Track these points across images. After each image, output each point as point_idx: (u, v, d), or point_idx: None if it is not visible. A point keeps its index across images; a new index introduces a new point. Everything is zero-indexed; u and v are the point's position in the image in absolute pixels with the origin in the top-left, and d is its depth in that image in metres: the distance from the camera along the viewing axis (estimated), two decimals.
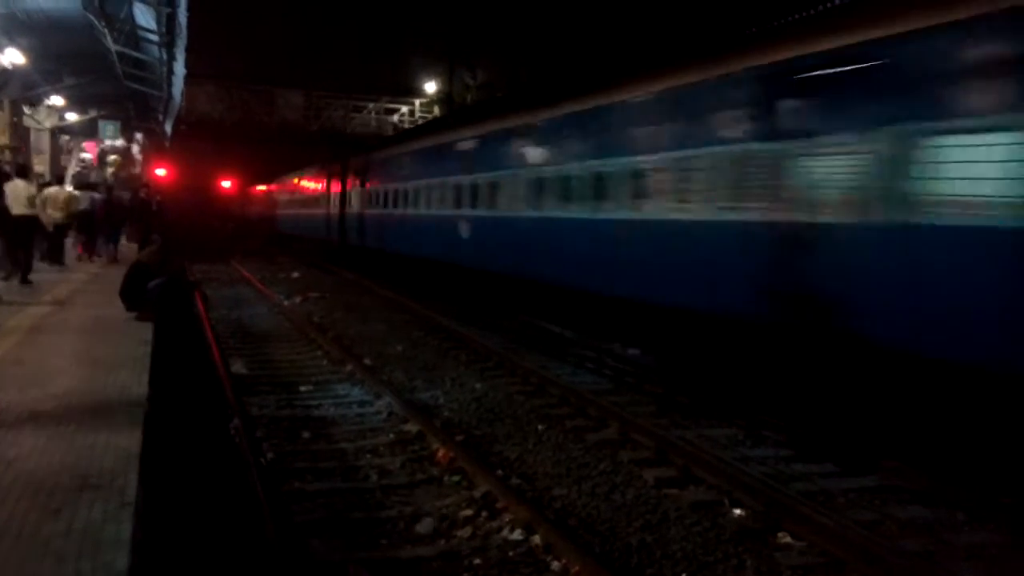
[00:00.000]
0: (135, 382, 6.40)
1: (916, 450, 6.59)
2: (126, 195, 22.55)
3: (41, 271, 13.84)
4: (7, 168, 14.46)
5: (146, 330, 8.84)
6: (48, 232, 15.11)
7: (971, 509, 5.85)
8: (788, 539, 5.43)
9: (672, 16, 27.83)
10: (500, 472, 6.57)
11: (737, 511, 5.89)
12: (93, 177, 30.84)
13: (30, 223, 13.05)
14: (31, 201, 13.09)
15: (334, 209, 27.29)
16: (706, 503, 6.03)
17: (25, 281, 12.42)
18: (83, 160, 33.17)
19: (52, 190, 15.50)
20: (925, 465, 6.48)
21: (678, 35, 24.02)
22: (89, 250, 17.94)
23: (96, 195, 19.03)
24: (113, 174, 33.73)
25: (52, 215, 14.83)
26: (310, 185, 33.63)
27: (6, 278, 12.35)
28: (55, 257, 15.63)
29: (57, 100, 24.33)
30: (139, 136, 35.95)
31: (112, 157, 33.94)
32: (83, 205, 17.03)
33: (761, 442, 7.55)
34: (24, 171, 14.39)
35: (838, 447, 7.03)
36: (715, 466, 6.52)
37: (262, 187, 50.00)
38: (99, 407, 5.62)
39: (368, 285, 20.52)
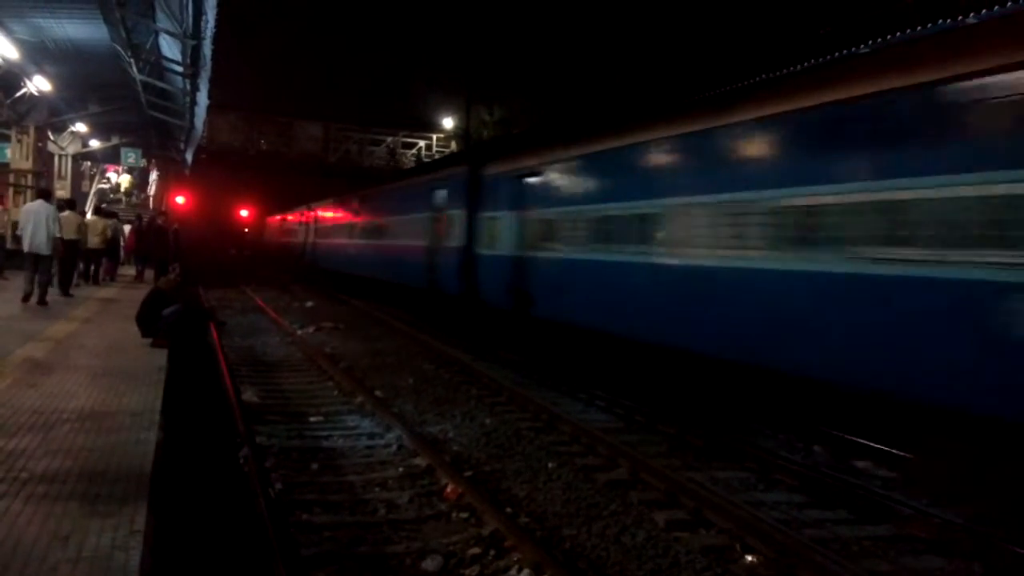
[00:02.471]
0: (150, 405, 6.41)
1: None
2: (145, 220, 23.14)
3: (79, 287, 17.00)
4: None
5: (160, 356, 8.89)
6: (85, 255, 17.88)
7: (989, 561, 5.74)
8: None
9: (685, 54, 28.15)
10: (509, 510, 6.51)
11: (749, 557, 5.80)
12: (114, 198, 31.53)
13: (76, 247, 16.17)
14: (78, 229, 16.13)
15: None
16: (717, 548, 5.94)
17: (67, 294, 15.24)
18: (107, 179, 33.78)
19: (90, 219, 18.24)
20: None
21: (692, 74, 24.25)
22: (111, 272, 20.58)
23: (117, 222, 20.65)
24: (127, 192, 34.36)
25: (91, 239, 17.60)
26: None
27: (63, 294, 15.03)
28: (94, 277, 18.77)
29: (81, 127, 24.77)
30: (154, 172, 36.49)
31: (125, 176, 34.45)
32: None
33: (774, 486, 7.46)
34: (73, 204, 17.83)
35: (852, 493, 6.93)
36: (727, 510, 6.43)
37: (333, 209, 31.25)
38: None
39: (381, 317, 20.56)
